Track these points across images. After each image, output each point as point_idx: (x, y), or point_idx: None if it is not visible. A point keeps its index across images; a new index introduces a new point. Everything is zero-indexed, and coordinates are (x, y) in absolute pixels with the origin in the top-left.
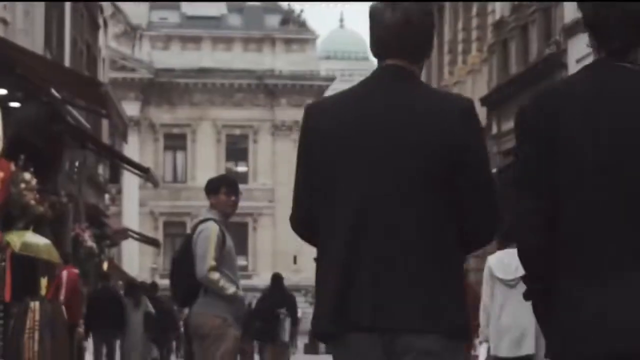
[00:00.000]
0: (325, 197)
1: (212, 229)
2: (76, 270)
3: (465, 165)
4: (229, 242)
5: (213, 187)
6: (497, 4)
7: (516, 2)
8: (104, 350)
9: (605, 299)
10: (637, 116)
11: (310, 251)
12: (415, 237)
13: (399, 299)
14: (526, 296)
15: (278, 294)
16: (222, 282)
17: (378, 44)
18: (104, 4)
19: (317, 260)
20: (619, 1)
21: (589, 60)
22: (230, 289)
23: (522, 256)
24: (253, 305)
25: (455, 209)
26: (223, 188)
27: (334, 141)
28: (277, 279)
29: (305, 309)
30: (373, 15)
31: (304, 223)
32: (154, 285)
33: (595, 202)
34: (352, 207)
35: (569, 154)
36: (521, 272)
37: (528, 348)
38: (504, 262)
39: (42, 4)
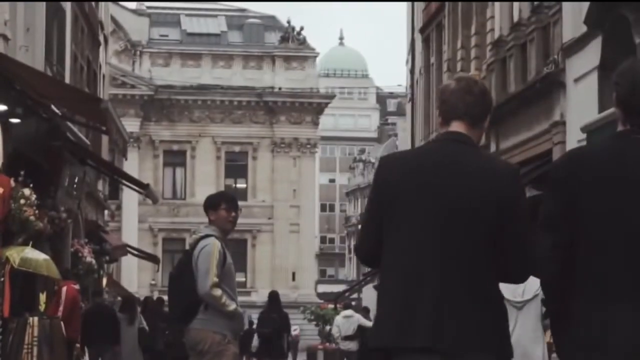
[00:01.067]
0: (389, 234)
1: (214, 245)
2: (77, 286)
3: (510, 216)
4: (229, 258)
5: (212, 203)
6: (496, 22)
7: (515, 21)
8: None
9: (608, 320)
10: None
11: (309, 268)
12: (467, 271)
13: (455, 324)
14: (545, 316)
15: (277, 311)
16: (224, 299)
17: (444, 107)
18: (105, 21)
19: (378, 287)
20: None
21: (588, 79)
22: (232, 306)
23: (543, 282)
24: (254, 321)
25: (497, 249)
26: (223, 204)
27: (398, 189)
28: (274, 296)
29: (303, 326)
30: (442, 90)
31: (370, 253)
32: (160, 300)
33: (603, 242)
34: (413, 243)
35: (585, 205)
36: (528, 295)
37: None
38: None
39: (43, 20)
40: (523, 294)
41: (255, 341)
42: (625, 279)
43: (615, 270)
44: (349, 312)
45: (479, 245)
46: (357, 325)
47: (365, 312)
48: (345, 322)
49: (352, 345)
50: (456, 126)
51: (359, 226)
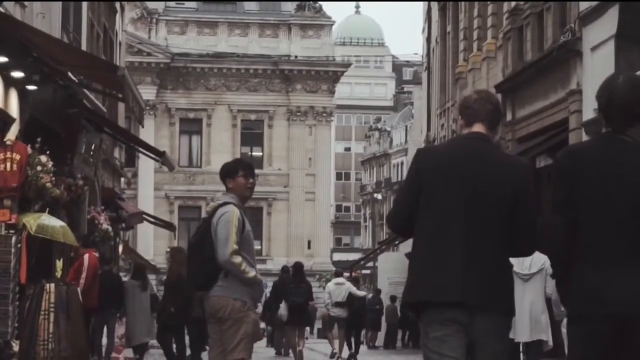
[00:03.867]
0: (426, 211)
1: (233, 213)
2: (97, 254)
3: (523, 202)
4: (248, 226)
5: (230, 171)
6: None
7: None
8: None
9: (604, 280)
10: (625, 169)
11: (325, 236)
12: (488, 242)
13: (479, 285)
14: (553, 276)
15: (304, 281)
16: (244, 266)
17: (469, 112)
18: None
19: (413, 254)
20: (620, 99)
21: (604, 48)
22: (252, 273)
23: (553, 252)
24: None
25: (511, 226)
26: (240, 171)
27: (435, 174)
28: (300, 267)
29: (318, 294)
30: (466, 99)
31: (404, 223)
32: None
33: (599, 219)
34: (446, 218)
35: (584, 189)
36: (535, 269)
37: (542, 334)
38: (519, 259)
39: None
40: (530, 267)
41: (283, 310)
42: (616, 249)
43: (608, 243)
44: (340, 279)
45: (498, 222)
46: (348, 293)
47: (355, 282)
48: (337, 289)
49: (342, 312)
50: (478, 127)
51: (393, 202)
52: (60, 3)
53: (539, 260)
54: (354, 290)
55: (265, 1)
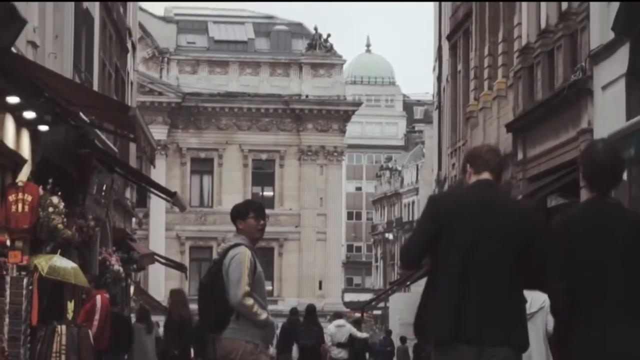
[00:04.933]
0: (444, 252)
1: (245, 254)
2: (108, 295)
3: (533, 243)
4: (259, 267)
5: (240, 212)
6: (524, 29)
7: (542, 28)
8: None
9: (601, 337)
10: (614, 232)
11: (336, 276)
12: (502, 282)
13: (493, 322)
14: (553, 336)
15: (315, 323)
16: (256, 308)
17: (480, 161)
18: (133, 27)
19: (433, 291)
20: (601, 164)
21: (615, 87)
22: (263, 315)
23: (558, 314)
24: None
25: (523, 262)
26: (251, 213)
27: (450, 218)
28: (312, 310)
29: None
30: (477, 149)
31: (415, 261)
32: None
33: (595, 279)
34: (461, 259)
35: (579, 254)
36: (535, 308)
37: None
38: None
39: (72, 27)
40: (530, 307)
41: (295, 352)
42: (611, 307)
43: (604, 302)
44: (341, 321)
45: (511, 262)
46: (348, 335)
47: (356, 323)
48: (337, 331)
49: (343, 353)
50: (486, 175)
51: (405, 239)
52: (72, 43)
53: (539, 299)
54: (354, 331)
55: (275, 12)
